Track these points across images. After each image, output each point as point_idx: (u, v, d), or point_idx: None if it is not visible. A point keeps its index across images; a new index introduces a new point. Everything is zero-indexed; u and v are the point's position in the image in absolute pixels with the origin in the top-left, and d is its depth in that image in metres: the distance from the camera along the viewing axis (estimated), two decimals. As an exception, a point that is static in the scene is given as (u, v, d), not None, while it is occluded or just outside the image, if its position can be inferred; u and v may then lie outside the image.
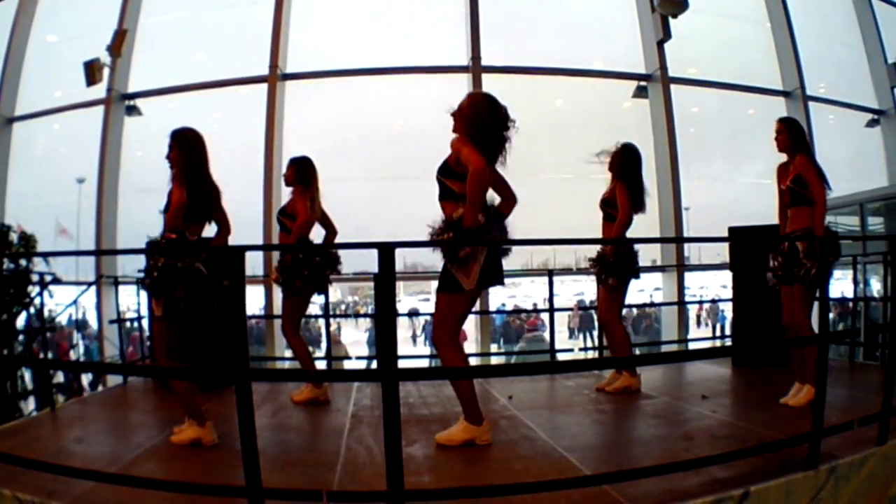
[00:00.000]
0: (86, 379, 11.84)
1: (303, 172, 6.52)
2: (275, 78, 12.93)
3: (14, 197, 14.12)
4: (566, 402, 6.47)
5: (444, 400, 6.36)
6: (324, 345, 12.41)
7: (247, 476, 3.42)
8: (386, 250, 3.37)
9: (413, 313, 16.55)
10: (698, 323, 16.49)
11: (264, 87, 12.94)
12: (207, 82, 13.34)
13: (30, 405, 9.83)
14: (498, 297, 12.51)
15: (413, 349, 16.74)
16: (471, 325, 13.55)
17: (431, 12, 13.79)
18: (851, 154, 15.66)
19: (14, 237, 10.59)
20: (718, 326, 17.69)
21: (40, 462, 4.02)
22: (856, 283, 8.48)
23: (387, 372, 3.37)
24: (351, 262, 11.57)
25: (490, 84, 12.50)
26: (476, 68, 12.84)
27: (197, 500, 3.67)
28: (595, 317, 7.34)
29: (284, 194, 7.10)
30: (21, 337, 10.23)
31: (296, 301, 6.54)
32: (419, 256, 15.20)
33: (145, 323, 8.71)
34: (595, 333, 8.02)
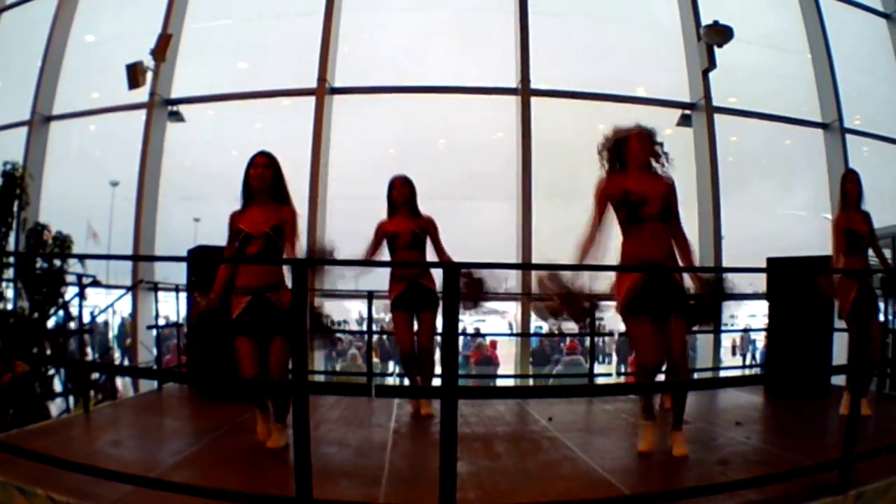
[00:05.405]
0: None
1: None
2: (323, 91, 12.92)
3: (47, 196, 14.13)
4: (605, 425, 6.53)
5: (486, 420, 6.44)
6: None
7: (298, 486, 3.44)
8: (451, 270, 3.39)
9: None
10: (733, 352, 16.43)
11: (305, 98, 12.95)
12: (255, 92, 13.35)
13: (57, 407, 9.84)
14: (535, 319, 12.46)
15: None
16: (511, 346, 13.56)
17: (481, 34, 13.75)
18: (886, 187, 15.53)
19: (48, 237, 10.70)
20: (749, 356, 17.62)
21: (77, 463, 4.00)
22: (887, 315, 8.47)
23: (448, 389, 3.38)
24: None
25: (536, 107, 12.54)
26: (525, 91, 12.74)
27: (242, 509, 3.62)
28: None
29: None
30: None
31: None
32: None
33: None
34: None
